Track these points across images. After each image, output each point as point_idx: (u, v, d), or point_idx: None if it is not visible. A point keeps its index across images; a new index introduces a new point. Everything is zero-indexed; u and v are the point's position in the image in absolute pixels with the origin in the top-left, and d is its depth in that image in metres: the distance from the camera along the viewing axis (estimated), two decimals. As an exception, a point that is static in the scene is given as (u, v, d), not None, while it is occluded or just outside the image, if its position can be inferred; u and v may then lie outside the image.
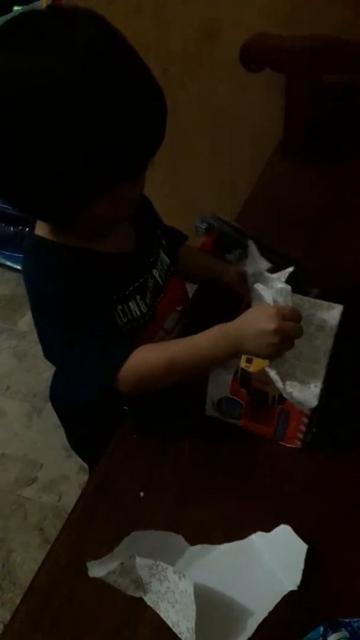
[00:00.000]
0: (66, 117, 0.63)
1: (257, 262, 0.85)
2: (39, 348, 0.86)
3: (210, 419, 0.86)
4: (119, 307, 0.83)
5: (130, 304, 0.84)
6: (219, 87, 1.42)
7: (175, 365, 0.77)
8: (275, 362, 0.75)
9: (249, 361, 0.77)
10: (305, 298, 0.85)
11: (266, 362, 0.76)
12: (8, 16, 0.69)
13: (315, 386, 0.76)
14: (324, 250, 1.13)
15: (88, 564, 0.67)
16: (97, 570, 0.66)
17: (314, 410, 0.77)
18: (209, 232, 0.87)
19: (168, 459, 0.83)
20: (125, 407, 0.89)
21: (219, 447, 0.83)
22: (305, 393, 0.76)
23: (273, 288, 0.76)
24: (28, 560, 1.49)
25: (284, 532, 0.72)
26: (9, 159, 0.68)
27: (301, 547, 0.70)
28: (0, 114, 0.65)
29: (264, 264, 0.85)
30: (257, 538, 0.73)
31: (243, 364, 0.78)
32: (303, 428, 0.80)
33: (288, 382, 0.76)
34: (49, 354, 0.86)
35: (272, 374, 0.75)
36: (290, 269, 0.79)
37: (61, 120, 0.63)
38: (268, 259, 0.87)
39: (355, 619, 0.62)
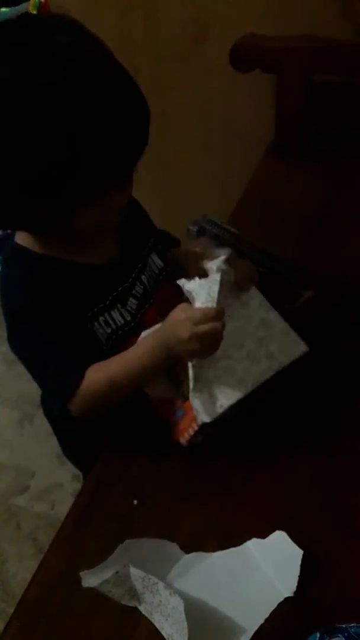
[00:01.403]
0: (50, 125, 0.62)
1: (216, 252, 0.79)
2: (29, 354, 0.85)
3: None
4: (101, 317, 0.80)
5: (113, 313, 0.81)
6: (209, 88, 1.43)
7: (115, 384, 0.76)
8: (196, 362, 0.75)
9: None
10: (280, 319, 0.81)
11: None
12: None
13: (221, 406, 0.76)
14: (318, 251, 1.12)
15: (81, 574, 0.66)
16: (91, 579, 0.65)
17: (209, 424, 0.76)
18: (200, 236, 0.87)
19: (162, 466, 0.82)
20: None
21: (213, 454, 0.82)
22: (207, 407, 0.75)
23: (207, 277, 0.74)
24: (22, 570, 1.47)
25: (279, 538, 0.71)
26: None
27: (297, 553, 0.69)
28: None
29: (224, 252, 0.79)
30: (253, 545, 0.73)
31: None
32: (191, 432, 0.79)
33: (199, 388, 0.75)
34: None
35: (190, 372, 0.75)
36: (224, 257, 0.75)
37: (45, 129, 0.62)
38: (261, 262, 0.86)
39: (352, 625, 0.62)
